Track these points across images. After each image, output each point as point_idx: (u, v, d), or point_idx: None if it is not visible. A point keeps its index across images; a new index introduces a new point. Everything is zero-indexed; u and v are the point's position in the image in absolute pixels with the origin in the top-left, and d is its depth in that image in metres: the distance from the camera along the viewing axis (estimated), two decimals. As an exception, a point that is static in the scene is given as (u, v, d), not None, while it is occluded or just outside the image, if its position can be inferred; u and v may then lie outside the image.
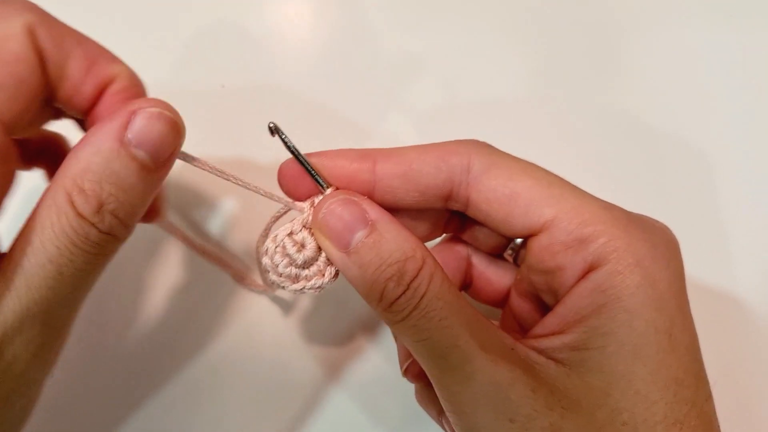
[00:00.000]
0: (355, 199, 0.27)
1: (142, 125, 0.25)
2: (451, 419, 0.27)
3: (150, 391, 0.40)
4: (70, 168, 0.24)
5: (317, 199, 0.29)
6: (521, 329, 0.32)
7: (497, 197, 0.28)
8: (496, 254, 0.33)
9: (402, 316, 0.25)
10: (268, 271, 0.30)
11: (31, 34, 0.26)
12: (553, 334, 0.27)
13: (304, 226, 0.29)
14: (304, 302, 0.43)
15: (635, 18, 0.54)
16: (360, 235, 0.26)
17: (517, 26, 0.54)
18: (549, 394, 0.25)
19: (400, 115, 0.50)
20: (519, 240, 0.31)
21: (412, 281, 0.25)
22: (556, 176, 0.28)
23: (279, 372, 0.41)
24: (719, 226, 0.46)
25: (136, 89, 0.31)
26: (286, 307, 0.43)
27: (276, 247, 0.29)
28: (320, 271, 0.29)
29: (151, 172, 0.26)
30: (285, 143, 0.28)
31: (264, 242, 0.30)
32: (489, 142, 0.30)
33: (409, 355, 0.33)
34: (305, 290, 0.29)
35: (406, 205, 0.29)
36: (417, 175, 0.28)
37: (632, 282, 0.25)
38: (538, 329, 0.28)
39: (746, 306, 0.44)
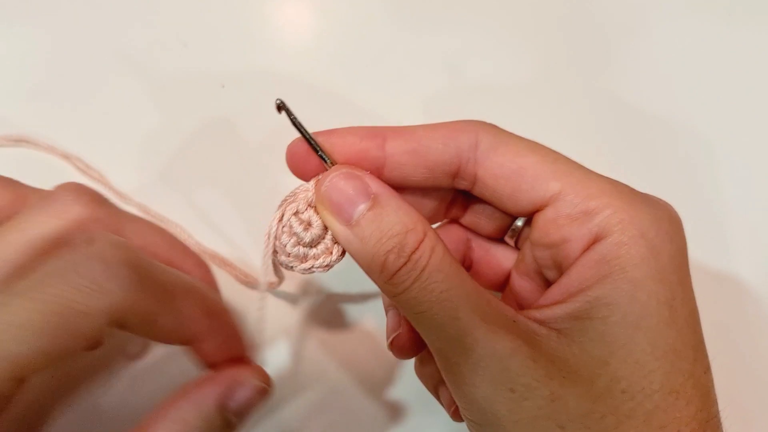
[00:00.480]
0: (358, 173, 0.27)
1: (245, 398, 0.27)
2: (451, 391, 0.28)
3: (155, 393, 0.40)
4: (169, 424, 0.25)
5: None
6: (522, 309, 0.32)
7: (504, 172, 0.28)
8: (496, 238, 0.34)
9: (403, 288, 0.26)
10: (277, 252, 0.30)
11: (114, 320, 0.24)
12: (555, 304, 0.27)
13: (309, 205, 0.29)
14: (309, 297, 0.43)
15: (642, 5, 0.55)
16: (362, 208, 0.26)
17: (523, 14, 0.55)
18: (549, 364, 0.25)
19: (404, 112, 0.50)
20: (520, 223, 0.32)
21: (412, 253, 0.25)
22: (561, 154, 0.29)
23: (286, 365, 0.41)
24: (719, 208, 0.47)
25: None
26: (290, 303, 0.43)
27: (283, 227, 0.29)
28: (328, 249, 0.29)
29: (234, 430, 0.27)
30: (292, 120, 0.29)
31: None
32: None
33: (396, 329, 0.33)
34: (314, 269, 0.29)
35: (415, 182, 0.30)
36: (426, 151, 0.29)
37: (637, 253, 0.26)
38: (541, 301, 0.29)
39: (746, 287, 0.45)
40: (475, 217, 0.33)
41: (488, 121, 0.30)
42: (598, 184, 0.27)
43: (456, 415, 0.33)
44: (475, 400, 0.26)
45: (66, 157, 0.47)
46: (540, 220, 0.29)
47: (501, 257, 0.34)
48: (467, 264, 0.35)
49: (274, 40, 0.53)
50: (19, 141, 0.48)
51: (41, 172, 0.46)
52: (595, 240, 0.27)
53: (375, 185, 0.27)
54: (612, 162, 0.48)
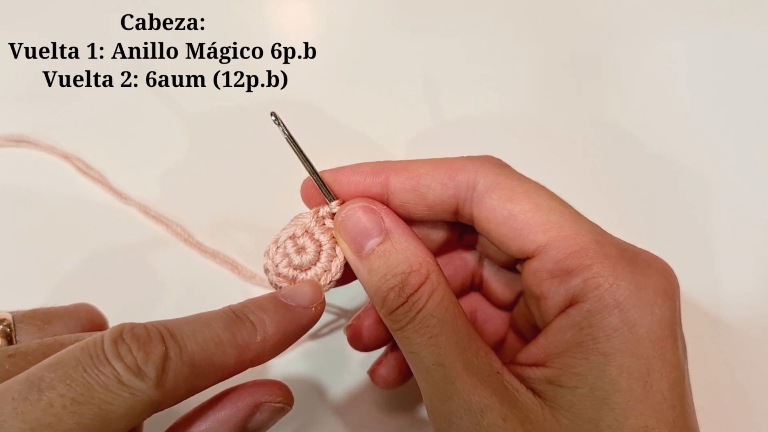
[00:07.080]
0: (375, 207, 0.28)
1: (265, 419, 0.27)
2: (431, 423, 0.28)
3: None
4: None
5: (322, 209, 0.30)
6: (531, 328, 0.32)
7: (495, 217, 0.28)
8: (508, 267, 0.33)
9: (400, 326, 0.27)
10: (269, 271, 0.31)
11: (149, 412, 0.23)
12: (535, 364, 0.27)
13: (305, 231, 0.30)
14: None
15: (631, 40, 0.54)
16: (373, 242, 0.27)
17: (523, 47, 0.54)
18: (518, 425, 0.25)
19: (400, 134, 0.49)
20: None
21: (411, 295, 0.26)
22: (559, 202, 0.28)
23: (286, 366, 0.41)
24: (707, 237, 0.46)
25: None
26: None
27: (277, 248, 0.30)
28: (317, 276, 0.30)
29: None
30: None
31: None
32: (492, 153, 0.30)
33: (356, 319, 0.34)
34: None
35: (418, 218, 0.30)
36: (425, 190, 0.29)
37: (609, 324, 0.25)
38: (521, 356, 0.28)
39: (731, 323, 0.43)
40: (486, 246, 0.33)
41: (493, 146, 0.30)
42: (584, 243, 0.26)
43: (372, 374, 0.35)
44: None
45: (66, 157, 0.47)
46: (526, 269, 0.28)
47: (512, 278, 0.33)
48: (477, 282, 0.35)
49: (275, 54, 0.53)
50: (20, 141, 0.48)
51: (41, 172, 0.47)
52: (571, 303, 0.26)
53: (389, 220, 0.28)
54: (604, 189, 0.47)
